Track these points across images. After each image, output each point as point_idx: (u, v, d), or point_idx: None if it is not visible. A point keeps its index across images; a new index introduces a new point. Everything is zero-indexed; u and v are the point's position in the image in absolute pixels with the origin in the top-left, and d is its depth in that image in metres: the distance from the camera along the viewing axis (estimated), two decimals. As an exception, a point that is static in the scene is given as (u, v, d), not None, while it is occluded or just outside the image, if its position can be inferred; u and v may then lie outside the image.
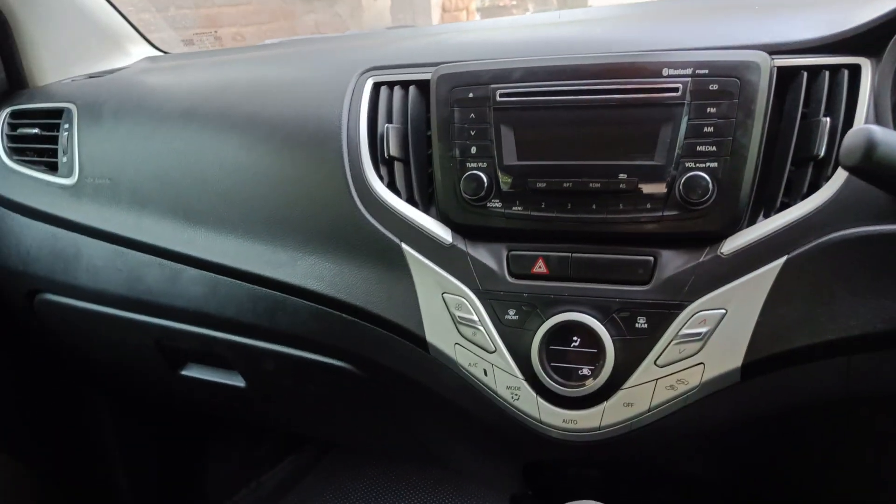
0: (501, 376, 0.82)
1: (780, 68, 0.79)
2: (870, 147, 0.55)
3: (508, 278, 0.83)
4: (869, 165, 0.54)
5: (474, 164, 0.85)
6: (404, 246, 0.87)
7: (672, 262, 0.78)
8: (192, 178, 1.03)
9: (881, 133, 0.55)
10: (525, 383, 0.81)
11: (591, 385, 0.78)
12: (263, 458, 1.60)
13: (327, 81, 0.99)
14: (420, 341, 0.86)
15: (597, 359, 0.79)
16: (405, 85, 0.94)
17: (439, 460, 1.23)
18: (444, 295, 0.84)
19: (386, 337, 0.89)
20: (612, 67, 0.82)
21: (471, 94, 0.86)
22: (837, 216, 0.73)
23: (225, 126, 1.04)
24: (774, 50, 0.79)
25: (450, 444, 1.10)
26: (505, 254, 0.84)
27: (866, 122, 0.75)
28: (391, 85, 0.94)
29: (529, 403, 0.81)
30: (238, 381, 1.09)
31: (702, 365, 0.76)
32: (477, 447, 1.04)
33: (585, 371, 0.79)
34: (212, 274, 1.00)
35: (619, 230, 0.80)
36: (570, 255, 0.82)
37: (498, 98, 0.84)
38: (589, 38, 0.92)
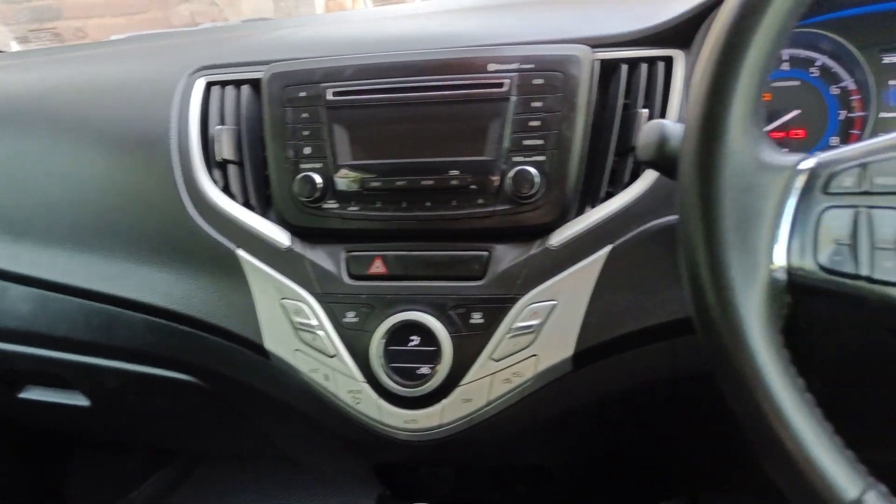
0: (342, 380, 0.81)
1: (602, 61, 0.81)
2: (661, 141, 0.56)
3: (347, 280, 0.82)
4: (661, 159, 0.56)
5: (308, 165, 0.83)
6: (240, 252, 0.84)
7: (506, 256, 0.79)
8: (14, 189, 0.97)
9: (671, 127, 0.56)
10: (366, 386, 0.80)
11: (431, 383, 0.78)
12: (132, 473, 1.53)
13: (159, 81, 0.95)
14: (260, 350, 0.84)
15: (435, 357, 0.78)
16: (238, 84, 0.91)
17: (300, 465, 1.21)
18: (283, 301, 0.82)
19: (227, 347, 0.86)
20: (440, 63, 0.81)
21: (303, 93, 0.84)
22: (656, 204, 0.75)
23: (52, 131, 0.98)
24: (597, 43, 0.81)
25: (305, 449, 1.09)
26: (343, 255, 0.83)
27: (679, 112, 0.77)
28: (223, 84, 0.91)
29: (371, 406, 0.80)
30: (82, 401, 1.04)
31: (535, 357, 0.77)
32: (329, 451, 1.03)
33: (424, 370, 0.79)
34: (40, 290, 0.95)
35: (454, 227, 0.80)
36: (407, 253, 0.82)
37: (330, 97, 0.83)
38: (422, 33, 0.92)
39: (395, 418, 0.80)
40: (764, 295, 0.45)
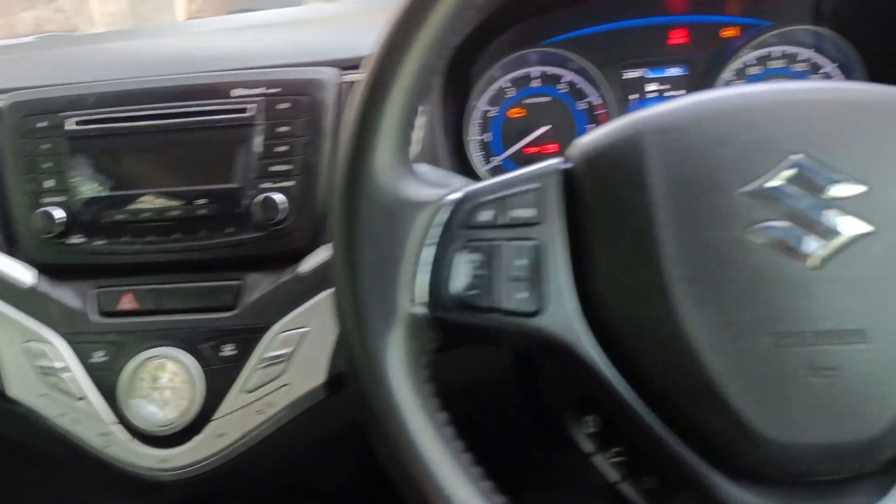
0: (92, 424, 0.77)
1: (352, 84, 0.80)
2: None
3: (96, 317, 0.79)
4: None
5: (50, 199, 0.79)
6: (-22, 294, 0.79)
7: (258, 285, 0.77)
8: None
9: None
10: (116, 427, 0.77)
11: (181, 421, 0.76)
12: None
13: None
14: (3, 397, 0.79)
15: (186, 392, 0.76)
16: None
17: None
18: (26, 343, 0.78)
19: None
20: (183, 90, 0.79)
21: (43, 123, 0.80)
22: None
23: None
24: (346, 65, 0.80)
25: (82, 496, 1.04)
26: (92, 292, 0.80)
27: (422, 135, 0.77)
28: None
29: (122, 448, 0.77)
30: None
31: (288, 385, 0.75)
32: (98, 496, 0.99)
33: (176, 407, 0.76)
34: None
35: (205, 257, 0.78)
36: (157, 286, 0.79)
37: (71, 127, 0.79)
38: (177, 55, 0.89)
39: (148, 459, 0.77)
40: (404, 334, 0.45)
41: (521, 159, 0.87)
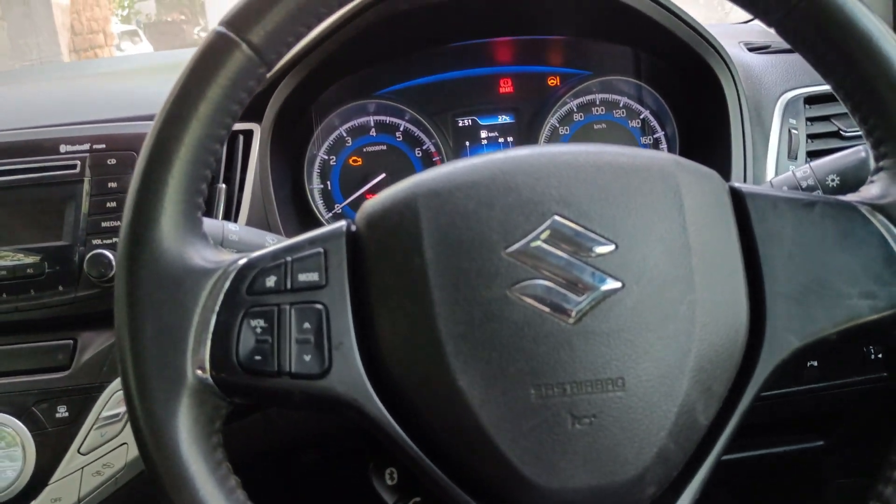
0: (-85, 496, 0.74)
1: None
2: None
3: (-81, 385, 0.75)
4: None
5: None
6: None
7: (92, 343, 0.77)
8: None
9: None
10: (-57, 499, 0.74)
11: (15, 486, 0.74)
12: None
13: None
14: None
15: (18, 458, 0.74)
16: None
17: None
18: None
19: None
20: (8, 146, 0.78)
21: None
22: None
23: None
24: None
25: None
26: (-87, 358, 0.76)
27: (253, 184, 0.78)
28: None
29: (-51, 521, 0.74)
30: None
31: (125, 445, 0.74)
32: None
33: (8, 473, 0.74)
34: None
35: (35, 317, 0.76)
36: None
37: None
38: (5, 107, 0.88)
39: (-25, 531, 0.75)
40: (191, 401, 0.46)
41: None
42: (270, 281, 0.47)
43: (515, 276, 0.45)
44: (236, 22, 0.47)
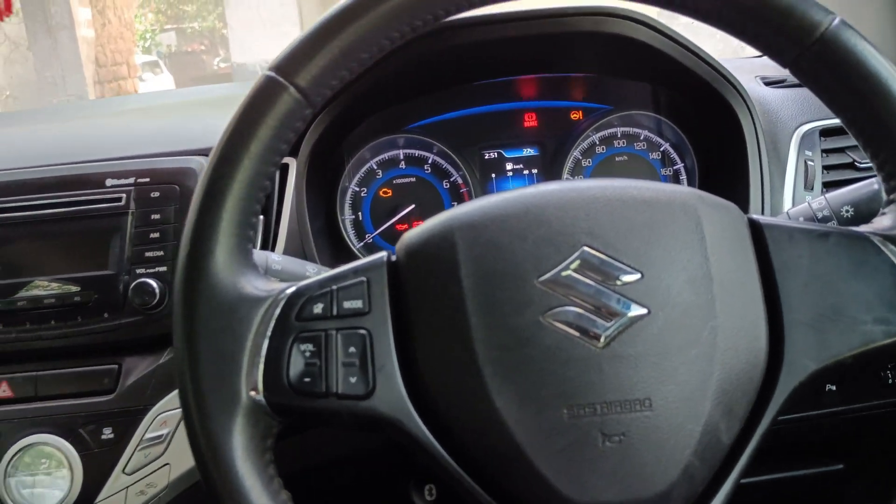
0: (-33, 515, 0.77)
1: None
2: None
3: (-29, 408, 0.79)
4: None
5: None
6: None
7: (136, 368, 0.80)
8: None
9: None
10: (-8, 517, 0.77)
11: (62, 507, 0.77)
12: None
13: None
14: None
15: (66, 478, 0.77)
16: None
17: None
18: None
19: None
20: (57, 181, 0.82)
21: None
22: None
23: None
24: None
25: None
26: (-33, 382, 0.80)
27: (288, 216, 0.82)
28: None
29: (0, 539, 0.77)
30: None
31: (168, 466, 0.78)
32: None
33: (56, 493, 0.77)
34: None
35: (82, 343, 0.80)
36: (34, 374, 0.80)
37: None
38: (51, 145, 0.92)
39: (27, 550, 0.78)
40: (245, 420, 0.49)
41: (393, 236, 0.93)
42: (318, 308, 0.50)
43: (547, 304, 0.48)
44: (284, 67, 0.51)
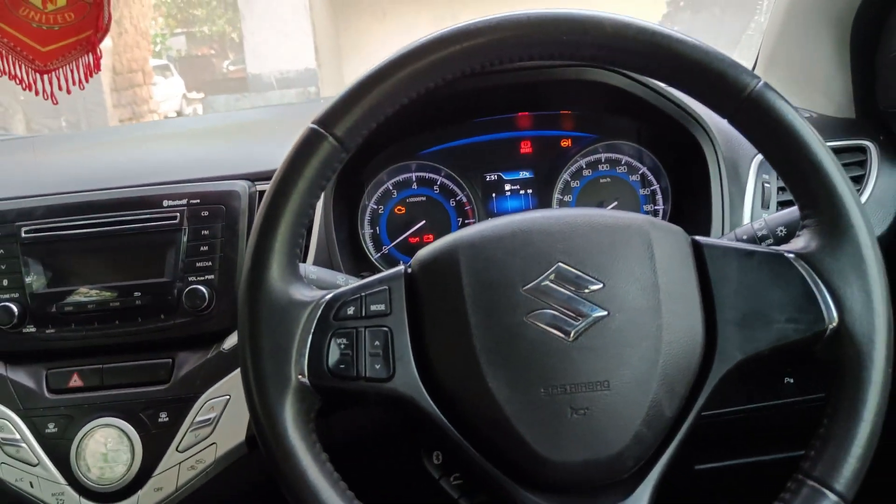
0: (47, 486, 0.91)
1: (260, 192, 0.99)
2: None
3: (47, 395, 0.93)
4: None
5: (6, 296, 0.94)
6: (-58, 376, 0.93)
7: (187, 362, 0.94)
8: None
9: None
10: (68, 488, 0.91)
11: (125, 478, 0.91)
12: None
13: None
14: (-35, 466, 0.93)
15: (128, 455, 0.91)
16: None
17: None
18: (-13, 419, 0.92)
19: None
20: (120, 201, 0.96)
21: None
22: None
23: None
24: (256, 177, 0.99)
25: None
26: (44, 373, 0.94)
27: (318, 232, 0.96)
28: None
29: (74, 505, 0.91)
30: None
31: (215, 444, 0.91)
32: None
33: (119, 467, 0.91)
34: None
35: (141, 339, 0.94)
36: (101, 366, 0.94)
37: (23, 234, 0.95)
38: (111, 168, 1.06)
39: (97, 512, 0.92)
40: (294, 398, 0.63)
41: (406, 248, 1.07)
42: (350, 310, 0.64)
43: (530, 307, 0.62)
44: (325, 120, 0.66)
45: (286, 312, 0.64)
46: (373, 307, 0.65)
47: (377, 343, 0.64)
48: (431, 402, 0.63)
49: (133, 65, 8.60)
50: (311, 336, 0.64)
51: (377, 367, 0.63)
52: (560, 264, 0.63)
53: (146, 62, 8.92)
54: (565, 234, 0.64)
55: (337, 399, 0.66)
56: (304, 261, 0.97)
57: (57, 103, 0.73)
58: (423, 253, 0.67)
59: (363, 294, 0.65)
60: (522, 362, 0.61)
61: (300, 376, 0.63)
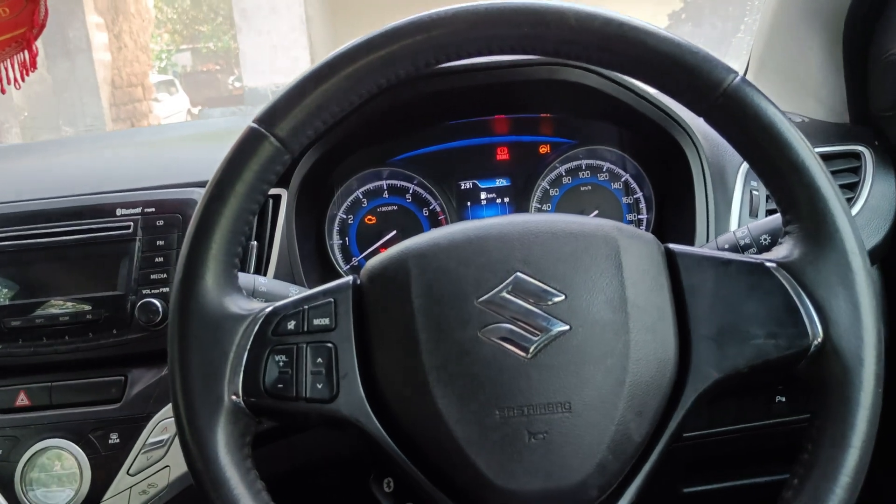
0: (-12, 512, 0.86)
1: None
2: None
3: (-8, 415, 0.88)
4: None
5: None
6: None
7: (140, 379, 0.89)
8: None
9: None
10: (10, 515, 0.86)
11: (74, 503, 0.85)
12: None
13: None
14: None
15: (74, 479, 0.86)
16: None
17: None
18: (-72, 441, 0.87)
19: None
20: (72, 211, 0.91)
21: None
22: None
23: None
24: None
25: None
26: (-12, 391, 0.89)
27: (281, 243, 0.91)
28: None
29: (14, 535, 0.86)
30: None
31: (168, 468, 0.86)
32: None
33: (66, 493, 0.86)
34: None
35: (92, 356, 0.89)
36: (49, 384, 0.89)
37: None
38: (66, 175, 1.02)
39: (36, 544, 0.86)
40: (227, 420, 0.57)
41: (376, 259, 1.02)
42: (291, 324, 0.59)
43: (484, 321, 0.57)
44: (266, 119, 0.61)
45: (219, 326, 0.58)
46: (316, 321, 0.59)
47: (320, 360, 0.58)
48: (378, 425, 0.58)
49: (133, 79, 8.60)
50: (246, 352, 0.58)
51: (319, 386, 0.58)
52: (518, 274, 0.58)
53: (146, 77, 8.92)
54: (525, 242, 0.59)
55: (275, 421, 0.61)
56: (265, 273, 0.92)
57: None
58: (372, 263, 0.62)
59: (305, 307, 0.60)
60: (475, 381, 0.56)
61: (233, 396, 0.58)
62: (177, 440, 0.86)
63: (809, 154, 0.58)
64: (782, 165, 0.59)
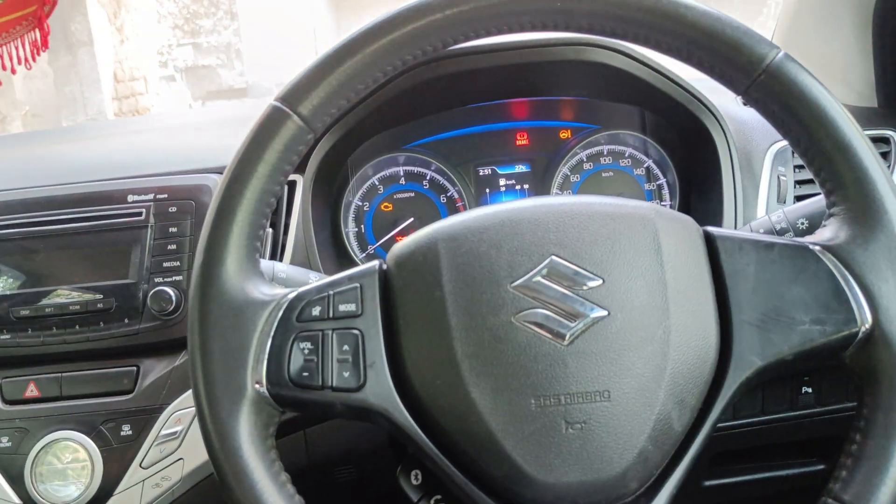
0: (-3, 505, 0.84)
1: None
2: None
3: (1, 406, 0.86)
4: None
5: None
6: None
7: (153, 370, 0.86)
8: None
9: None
10: (21, 507, 0.84)
11: (84, 497, 0.83)
12: None
13: None
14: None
15: (86, 472, 0.83)
16: None
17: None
18: (-64, 433, 0.85)
19: None
20: (83, 197, 0.89)
21: None
22: None
23: None
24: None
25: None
26: (-2, 382, 0.87)
27: (295, 229, 0.89)
28: None
29: (24, 528, 0.84)
30: None
31: (181, 460, 0.84)
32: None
33: (77, 485, 0.83)
34: None
35: (103, 346, 0.86)
36: (60, 375, 0.87)
37: None
38: (77, 161, 0.99)
39: (53, 536, 0.84)
40: (250, 409, 0.55)
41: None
42: (316, 310, 0.57)
43: (519, 306, 0.54)
44: (289, 97, 0.58)
45: (242, 312, 0.56)
46: (342, 307, 0.57)
47: (346, 348, 0.56)
48: (407, 415, 0.56)
49: (135, 73, 8.55)
50: (270, 339, 0.56)
51: (346, 374, 0.56)
52: (553, 257, 0.55)
53: (148, 71, 8.86)
54: (559, 224, 0.56)
55: (300, 411, 0.58)
56: (281, 260, 0.90)
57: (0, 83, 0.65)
58: (399, 247, 0.59)
59: (331, 293, 0.57)
60: (510, 369, 0.53)
61: (257, 385, 0.55)
62: (190, 432, 0.84)
63: (857, 133, 0.56)
64: (828, 145, 0.56)
